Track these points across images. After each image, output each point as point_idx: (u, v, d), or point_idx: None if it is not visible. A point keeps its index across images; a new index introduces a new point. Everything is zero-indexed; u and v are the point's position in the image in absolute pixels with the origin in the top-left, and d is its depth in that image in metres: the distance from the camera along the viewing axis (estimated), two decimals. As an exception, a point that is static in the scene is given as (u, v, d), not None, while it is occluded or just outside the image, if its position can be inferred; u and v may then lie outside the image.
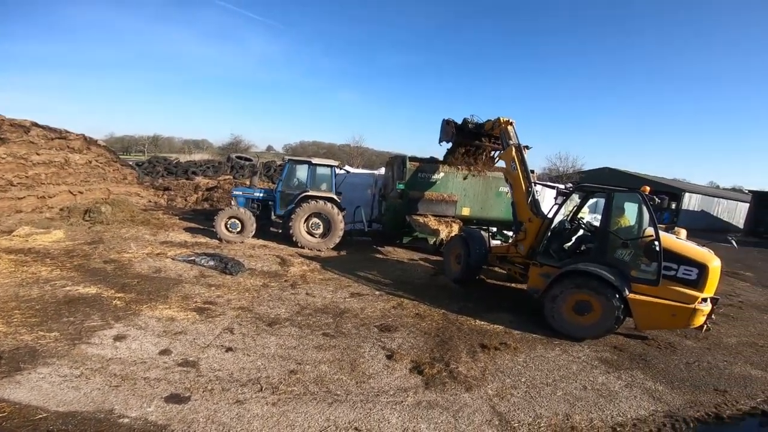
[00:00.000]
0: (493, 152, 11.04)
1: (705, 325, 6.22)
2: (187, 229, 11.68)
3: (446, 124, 10.07)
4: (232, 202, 11.55)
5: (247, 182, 15.74)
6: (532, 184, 8.25)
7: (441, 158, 11.79)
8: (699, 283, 5.80)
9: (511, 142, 8.58)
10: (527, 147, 9.00)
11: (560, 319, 6.48)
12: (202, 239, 10.71)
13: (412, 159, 11.30)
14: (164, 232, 11.08)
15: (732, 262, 15.74)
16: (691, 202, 35.54)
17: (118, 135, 64.73)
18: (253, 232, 10.94)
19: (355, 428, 3.71)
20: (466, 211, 11.60)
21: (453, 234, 10.07)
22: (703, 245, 6.54)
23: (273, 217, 11.51)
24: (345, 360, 5.00)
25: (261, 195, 11.72)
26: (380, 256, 11.41)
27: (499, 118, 8.97)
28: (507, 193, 9.06)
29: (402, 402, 4.21)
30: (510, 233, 11.07)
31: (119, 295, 6.32)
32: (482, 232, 9.16)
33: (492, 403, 4.39)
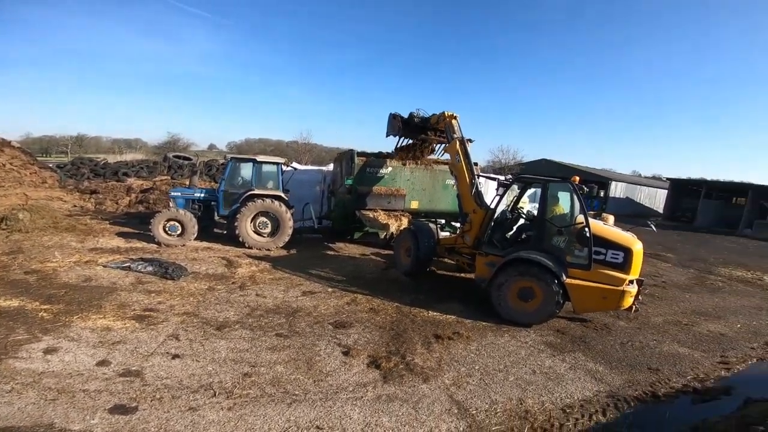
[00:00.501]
0: (437, 145, 11.28)
1: (634, 306, 6.73)
2: (120, 234, 10.86)
3: (393, 118, 10.13)
4: (171, 204, 10.89)
5: (187, 182, 14.91)
6: (476, 177, 8.51)
7: (389, 153, 11.87)
8: (625, 266, 6.24)
9: (455, 136, 8.80)
10: (470, 140, 9.29)
11: (506, 306, 6.75)
12: (138, 244, 10.01)
13: (360, 154, 11.28)
14: (93, 238, 10.22)
15: (654, 245, 17.27)
16: (617, 189, 38.62)
17: (36, 135, 58.99)
18: (195, 235, 10.40)
19: (317, 427, 3.66)
20: (414, 205, 11.78)
21: (402, 227, 10.18)
22: (627, 230, 7.06)
23: (216, 217, 11.00)
24: (301, 359, 4.90)
25: (202, 195, 11.16)
26: (332, 252, 11.29)
27: (443, 113, 9.16)
28: (453, 185, 9.29)
29: (362, 397, 4.21)
30: (457, 225, 11.38)
31: (45, 306, 5.78)
32: (431, 225, 9.34)
33: (449, 392, 4.50)
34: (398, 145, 11.15)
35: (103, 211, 14.76)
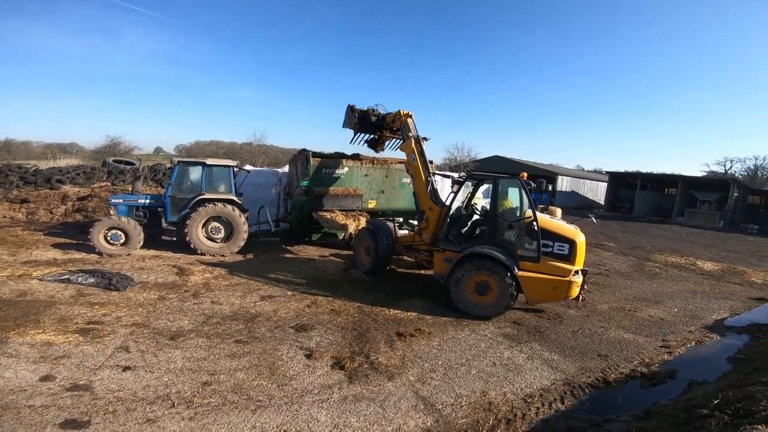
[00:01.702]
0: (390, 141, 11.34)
1: (581, 296, 7.13)
2: (57, 245, 10.06)
3: (350, 110, 10.06)
4: (111, 212, 10.20)
5: (129, 188, 14.06)
6: (431, 175, 8.66)
7: (346, 153, 11.81)
8: (570, 257, 6.58)
9: (410, 134, 8.90)
10: (425, 138, 9.42)
11: (465, 300, 6.93)
12: (77, 255, 9.32)
13: (315, 155, 11.14)
14: (25, 250, 9.40)
15: (597, 235, 18.36)
16: (563, 184, 40.70)
17: (-43, 142, 53.23)
18: (141, 243, 9.83)
19: (285, 431, 3.57)
20: (372, 204, 11.81)
21: (361, 227, 10.17)
22: (571, 222, 7.46)
23: (164, 224, 10.45)
24: (263, 365, 4.78)
25: (147, 201, 10.54)
26: (290, 255, 11.07)
27: (399, 111, 9.24)
28: (409, 183, 9.39)
29: (328, 399, 4.17)
30: (415, 222, 11.52)
31: (-24, 325, 5.24)
32: (389, 224, 9.40)
33: (415, 388, 4.55)
34: (353, 141, 11.11)
35: (36, 222, 13.61)
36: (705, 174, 54.56)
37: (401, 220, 12.28)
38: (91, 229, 9.40)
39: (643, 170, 43.79)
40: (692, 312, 8.27)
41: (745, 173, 56.79)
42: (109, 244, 9.48)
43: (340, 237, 11.46)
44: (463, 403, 4.33)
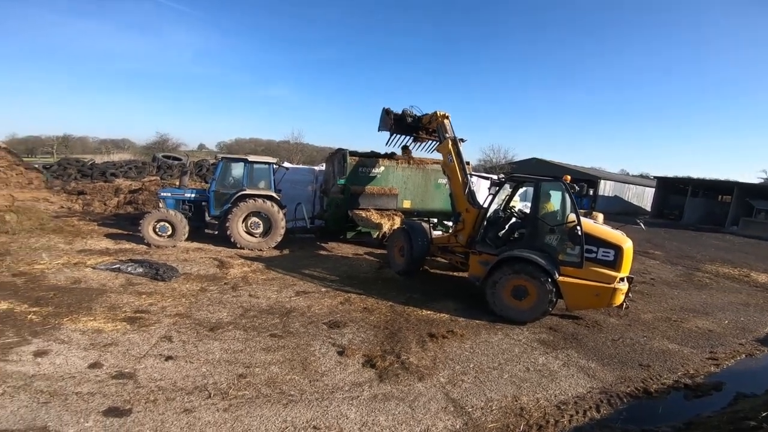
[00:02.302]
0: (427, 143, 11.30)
1: (624, 303, 6.82)
2: (109, 236, 10.71)
3: (386, 113, 10.12)
4: (160, 204, 10.76)
5: (177, 183, 14.75)
6: (468, 176, 8.55)
7: (381, 152, 11.86)
8: (616, 264, 6.31)
9: (447, 135, 8.83)
10: (462, 140, 9.31)
11: (501, 304, 6.79)
12: (128, 245, 9.88)
13: (353, 154, 11.26)
14: (81, 240, 10.06)
15: (643, 242, 17.50)
16: (606, 188, 39.11)
17: (21, 136, 57.67)
18: (186, 235, 10.30)
19: (314, 427, 3.64)
20: (407, 204, 11.80)
21: (395, 227, 10.19)
22: (617, 228, 7.15)
23: (207, 218, 10.90)
24: (296, 359, 4.88)
25: (193, 195, 11.05)
26: (324, 252, 11.25)
27: (436, 112, 9.18)
28: (445, 184, 9.32)
29: (358, 396, 4.20)
30: (450, 223, 11.41)
31: (34, 309, 5.67)
32: (423, 224, 9.36)
33: (445, 390, 4.51)
34: (389, 143, 11.14)
35: (91, 213, 14.54)
36: (763, 181, 50.68)
37: (435, 220, 12.21)
38: (141, 221, 9.93)
39: (694, 176, 41.27)
40: (744, 324, 7.78)
41: (810, 180, 52.33)
42: (157, 235, 9.98)
43: (374, 236, 11.53)
44: (494, 407, 4.25)
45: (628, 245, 6.47)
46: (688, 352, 6.22)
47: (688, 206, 34.25)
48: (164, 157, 23.62)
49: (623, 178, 48.01)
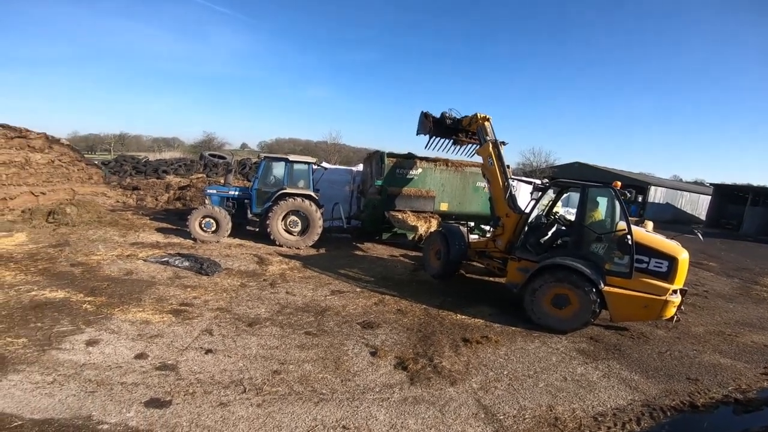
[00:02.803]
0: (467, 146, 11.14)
1: (675, 316, 6.45)
2: (159, 230, 11.30)
3: (424, 117, 10.06)
4: (206, 201, 11.23)
5: (222, 180, 15.36)
6: (509, 180, 8.36)
7: (418, 154, 11.82)
8: (669, 276, 5.98)
9: (488, 138, 8.66)
10: (504, 143, 9.11)
11: (540, 312, 6.59)
12: (176, 240, 10.39)
13: (390, 155, 11.28)
14: (134, 233, 10.69)
15: (697, 253, 16.40)
16: (656, 195, 37.01)
17: (83, 134, 62.20)
18: (229, 231, 10.70)
19: (343, 426, 3.68)
20: (444, 207, 11.68)
21: (432, 229, 10.12)
22: (672, 238, 6.76)
23: (249, 215, 11.28)
24: (329, 358, 4.94)
25: (236, 193, 11.46)
26: (360, 252, 11.35)
27: (476, 114, 9.03)
28: (484, 188, 9.18)
29: (388, 398, 4.20)
30: (487, 228, 11.20)
31: (89, 298, 6.06)
32: (461, 228, 9.23)
33: (477, 396, 4.43)
34: (428, 146, 11.07)
35: (144, 207, 15.41)
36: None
37: (472, 224, 12.02)
38: (189, 217, 10.42)
39: (755, 183, 38.27)
40: (804, 342, 7.14)
41: None
42: (203, 231, 10.43)
43: (410, 238, 11.50)
44: (527, 416, 4.13)
45: (683, 256, 6.11)
46: (741, 367, 5.85)
47: (748, 215, 31.78)
48: (210, 155, 24.52)
49: (675, 185, 45.27)
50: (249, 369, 4.52)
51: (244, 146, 76.35)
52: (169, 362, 4.51)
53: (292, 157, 11.28)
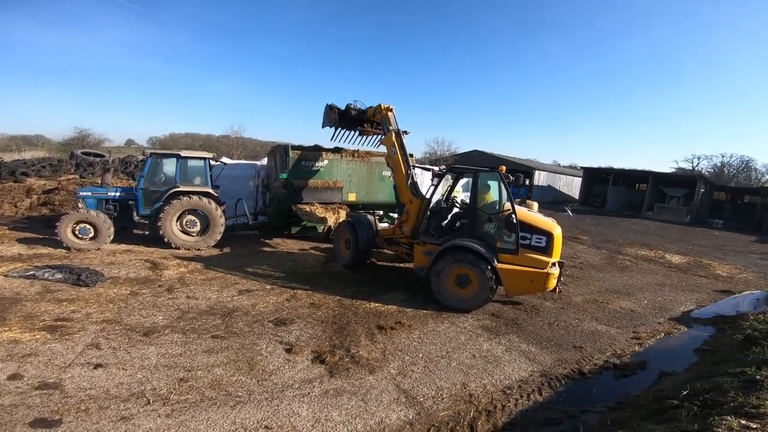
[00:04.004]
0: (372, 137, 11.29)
1: (557, 288, 7.25)
2: (21, 240, 9.61)
3: (329, 109, 9.94)
4: (79, 205, 9.83)
5: (98, 181, 13.56)
6: (412, 168, 8.64)
7: (326, 146, 11.67)
8: (548, 250, 6.67)
9: (391, 128, 8.84)
10: (406, 132, 9.38)
11: (445, 293, 6.95)
12: (44, 250, 8.93)
13: (295, 147, 10.97)
14: (-12, 245, 8.97)
15: (572, 228, 18.75)
16: (540, 178, 41.40)
17: None
18: (112, 237, 9.50)
19: (266, 427, 3.53)
20: (352, 197, 11.73)
21: (341, 220, 10.09)
22: (548, 215, 7.55)
23: (136, 218, 10.11)
24: (241, 360, 4.69)
25: (118, 194, 10.18)
26: (268, 249, 10.90)
27: (380, 105, 9.16)
28: (390, 177, 9.35)
29: (309, 393, 4.12)
30: (395, 216, 11.49)
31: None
32: (369, 217, 9.34)
33: (396, 381, 4.55)
34: (334, 138, 10.99)
35: (1, 216, 12.99)
36: (674, 170, 56.36)
37: (381, 212, 12.25)
38: (58, 223, 9.03)
39: (616, 166, 44.93)
40: (661, 304, 8.52)
41: (712, 170, 58.94)
42: (78, 238, 9.13)
43: (320, 230, 11.37)
44: (444, 396, 4.35)
45: (557, 231, 6.85)
46: (614, 332, 6.69)
47: (610, 194, 37.21)
48: (84, 153, 21.56)
49: (555, 169, 51.05)
50: (150, 380, 4.11)
51: (130, 143, 68.31)
52: (50, 380, 3.98)
53: (184, 153, 10.37)
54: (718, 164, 59.68)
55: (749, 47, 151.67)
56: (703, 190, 33.70)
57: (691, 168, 58.96)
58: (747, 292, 8.95)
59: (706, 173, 54.09)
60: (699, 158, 60.34)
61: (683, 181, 35.91)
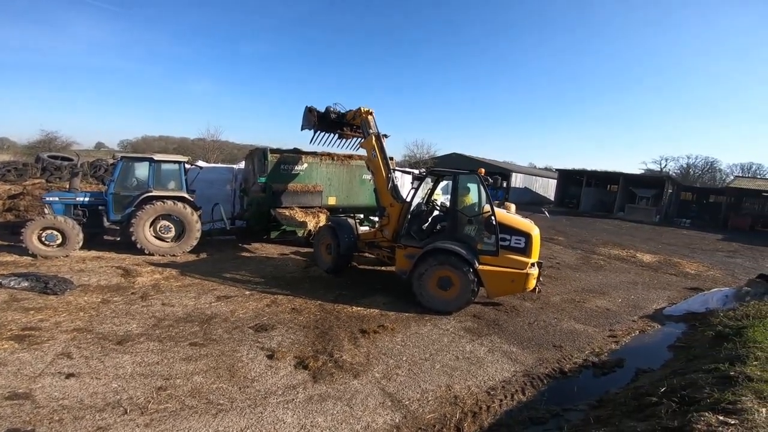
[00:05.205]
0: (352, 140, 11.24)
1: (537, 288, 7.34)
2: (-16, 248, 9.15)
3: (309, 111, 9.84)
4: (46, 210, 9.41)
5: (66, 186, 13.03)
6: (392, 171, 8.64)
7: (305, 150, 11.56)
8: (527, 250, 6.75)
9: (371, 131, 8.83)
10: (386, 135, 9.38)
11: (427, 295, 6.97)
12: (9, 258, 8.51)
13: (274, 151, 10.81)
14: (-53, 253, 8.49)
15: (548, 229, 19.13)
16: (517, 180, 42.22)
17: None
18: (81, 243, 9.13)
19: (249, 435, 3.42)
20: (332, 201, 11.63)
21: (321, 224, 9.99)
22: (526, 217, 7.68)
23: (106, 223, 9.74)
24: (222, 367, 4.57)
25: (86, 199, 9.78)
26: (247, 254, 10.70)
27: (360, 108, 9.13)
28: (370, 180, 9.33)
29: (293, 400, 4.04)
30: (376, 219, 11.46)
31: None
32: (350, 220, 9.29)
33: (381, 385, 4.51)
34: (313, 141, 10.90)
35: (-42, 222, 12.31)
36: (643, 172, 58.30)
37: (362, 216, 12.20)
38: (23, 230, 8.63)
39: (589, 168, 46.16)
40: (634, 302, 8.75)
41: (679, 171, 61.37)
42: (44, 245, 8.75)
43: (300, 234, 11.23)
44: (430, 398, 4.34)
45: (536, 232, 6.95)
46: (592, 331, 6.82)
47: (584, 195, 38.19)
48: (50, 157, 20.72)
49: (531, 171, 52.14)
50: (127, 389, 3.97)
51: (99, 146, 65.96)
52: (20, 391, 3.81)
53: (157, 156, 10.06)
54: (684, 165, 62.24)
55: (719, 52, 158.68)
56: (670, 191, 35.00)
57: (659, 169, 61.17)
58: (715, 289, 9.27)
59: (674, 174, 56.24)
60: (666, 159, 62.74)
61: (652, 182, 37.19)
